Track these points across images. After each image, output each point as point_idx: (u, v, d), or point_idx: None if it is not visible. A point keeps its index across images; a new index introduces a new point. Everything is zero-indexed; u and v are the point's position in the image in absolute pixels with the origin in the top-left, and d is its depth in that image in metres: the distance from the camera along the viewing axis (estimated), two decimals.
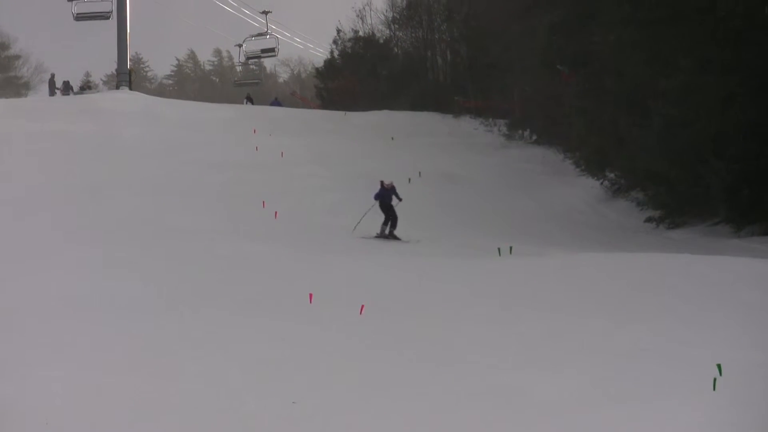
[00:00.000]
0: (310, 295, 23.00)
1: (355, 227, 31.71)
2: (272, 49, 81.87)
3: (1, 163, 43.51)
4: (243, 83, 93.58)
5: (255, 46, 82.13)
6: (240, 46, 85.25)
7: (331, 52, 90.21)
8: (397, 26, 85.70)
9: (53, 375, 15.91)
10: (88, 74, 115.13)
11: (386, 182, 33.10)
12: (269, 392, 15.28)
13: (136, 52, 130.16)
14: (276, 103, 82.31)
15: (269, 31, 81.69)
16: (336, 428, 13.48)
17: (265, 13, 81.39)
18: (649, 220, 41.13)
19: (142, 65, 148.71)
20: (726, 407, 13.98)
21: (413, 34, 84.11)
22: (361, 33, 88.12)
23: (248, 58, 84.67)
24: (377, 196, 32.91)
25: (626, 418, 13.77)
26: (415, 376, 16.58)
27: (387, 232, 32.44)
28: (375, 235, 32.44)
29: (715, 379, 14.94)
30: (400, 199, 32.96)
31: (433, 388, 15.58)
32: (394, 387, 15.72)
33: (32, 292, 23.01)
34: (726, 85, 35.07)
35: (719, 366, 15.18)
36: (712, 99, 35.44)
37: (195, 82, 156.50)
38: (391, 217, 32.67)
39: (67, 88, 76.17)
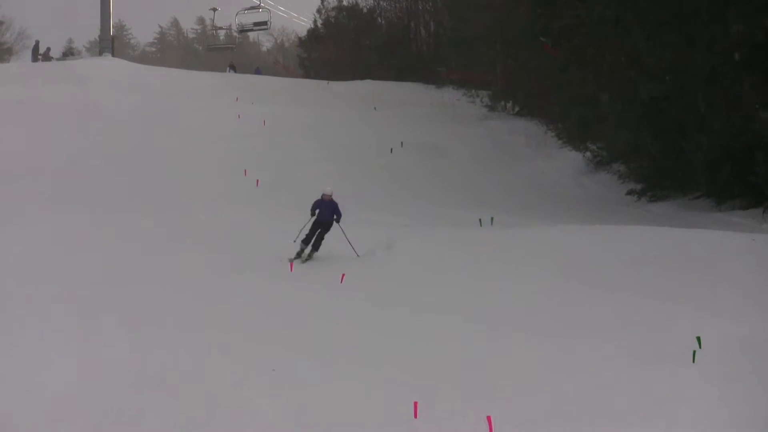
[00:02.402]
0: (290, 264, 23.10)
1: (296, 239, 24.37)
2: (265, 23, 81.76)
3: None
4: (216, 47, 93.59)
5: (247, 19, 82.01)
6: (214, 10, 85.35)
7: (315, 22, 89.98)
8: None
9: (40, 345, 15.90)
10: (70, 41, 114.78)
11: (327, 192, 24.69)
12: (251, 360, 15.28)
13: (119, 20, 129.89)
14: (258, 71, 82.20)
15: (261, 3, 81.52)
16: (315, 393, 13.46)
17: None
18: (630, 192, 41.12)
19: (124, 33, 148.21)
20: (705, 379, 14.02)
21: (397, 5, 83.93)
22: (345, 2, 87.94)
23: (241, 31, 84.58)
24: (314, 208, 24.59)
25: (607, 385, 13.81)
26: (390, 342, 16.65)
27: (307, 252, 24.37)
28: (289, 258, 24.09)
29: (694, 352, 14.97)
30: (338, 217, 24.57)
31: (405, 354, 15.68)
32: (372, 354, 15.78)
33: (9, 261, 23.02)
34: (710, 60, 35.04)
35: (699, 339, 15.22)
36: (697, 74, 35.42)
37: (178, 50, 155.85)
38: (318, 236, 24.49)
39: (47, 55, 75.61)
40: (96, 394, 13.26)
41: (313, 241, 24.18)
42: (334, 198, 24.56)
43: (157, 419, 12.34)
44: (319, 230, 24.27)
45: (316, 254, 24.12)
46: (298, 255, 24.00)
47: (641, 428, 11.87)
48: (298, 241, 24.13)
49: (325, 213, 24.28)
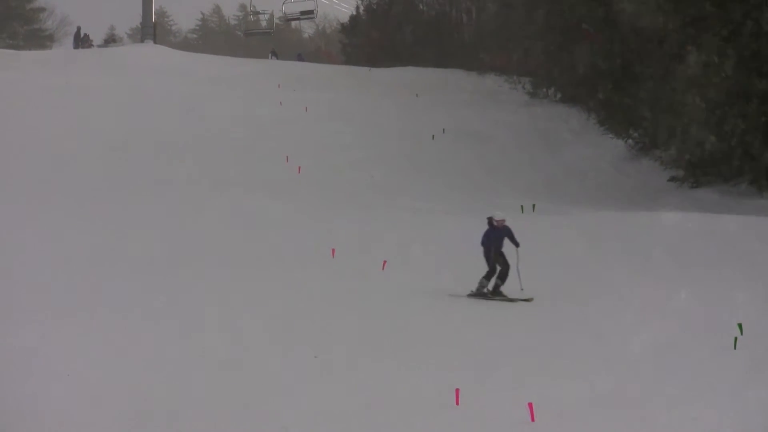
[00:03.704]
0: (332, 250, 23.18)
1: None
2: (311, 11, 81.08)
3: (26, 117, 43.52)
4: (252, 32, 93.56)
5: (294, 8, 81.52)
6: None
7: (357, 8, 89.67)
8: None
9: (74, 329, 16.09)
10: (112, 27, 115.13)
11: (497, 219, 20.39)
12: (292, 346, 15.41)
13: (161, 6, 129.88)
14: (300, 58, 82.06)
15: None
16: (357, 381, 13.55)
17: None
18: (672, 179, 40.93)
19: (166, 19, 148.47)
20: (747, 366, 14.04)
21: None
22: None
23: (287, 20, 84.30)
24: (484, 240, 20.31)
25: (648, 372, 13.85)
26: (439, 329, 16.74)
27: (490, 288, 20.12)
28: (468, 293, 20.10)
29: (735, 339, 14.99)
30: (516, 244, 20.18)
31: (446, 341, 15.78)
32: (419, 342, 15.88)
33: (52, 247, 23.33)
34: (755, 45, 34.82)
35: (740, 325, 15.22)
36: (740, 62, 35.18)
37: (219, 36, 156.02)
38: (500, 267, 20.13)
39: (86, 41, 75.80)
40: (139, 373, 13.41)
41: (489, 271, 20.03)
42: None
43: (196, 403, 12.44)
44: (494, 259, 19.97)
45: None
46: (479, 291, 19.95)
47: (683, 413, 11.90)
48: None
49: (496, 240, 20.08)
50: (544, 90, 60.14)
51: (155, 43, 74.10)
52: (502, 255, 19.81)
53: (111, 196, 30.30)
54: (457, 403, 11.74)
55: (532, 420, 10.95)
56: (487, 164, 42.28)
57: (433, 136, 45.61)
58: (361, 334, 16.38)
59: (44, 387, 12.43)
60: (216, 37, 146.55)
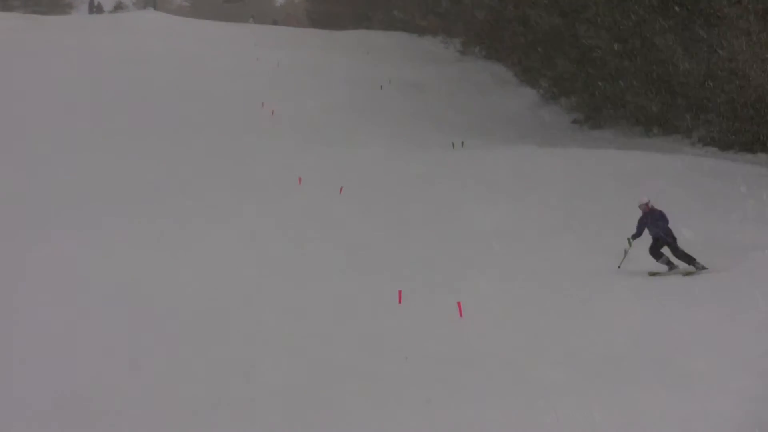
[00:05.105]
0: (299, 179, 22.94)
1: (619, 265, 14.68)
2: None
3: (50, 69, 43.15)
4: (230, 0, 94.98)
5: None
6: None
7: None
8: None
9: (93, 237, 15.81)
10: None
11: (643, 200, 15.05)
12: (267, 256, 15.24)
13: None
14: (275, 22, 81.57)
15: None
16: (319, 291, 13.40)
17: None
18: (575, 121, 40.95)
19: None
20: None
21: None
22: None
23: None
24: (640, 230, 14.95)
25: (549, 280, 13.78)
26: (381, 238, 16.64)
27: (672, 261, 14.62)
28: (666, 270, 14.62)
29: (625, 251, 14.90)
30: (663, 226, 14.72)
31: (392, 254, 15.67)
32: (367, 247, 15.75)
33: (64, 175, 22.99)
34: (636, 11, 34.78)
35: (629, 239, 15.08)
36: (623, 32, 35.17)
37: (206, 4, 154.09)
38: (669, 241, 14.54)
39: (99, 9, 74.98)
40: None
41: (668, 258, 14.62)
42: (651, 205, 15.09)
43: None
44: (663, 247, 14.64)
45: (681, 265, 14.39)
46: (671, 267, 14.59)
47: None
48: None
49: (654, 229, 14.71)
50: (472, 48, 59.97)
51: (155, 9, 73.75)
52: (662, 240, 14.53)
53: (115, 133, 30.14)
54: (400, 302, 11.61)
55: (461, 316, 10.81)
56: (425, 109, 42.15)
57: (381, 86, 45.63)
58: (329, 245, 16.26)
59: None
60: (203, 5, 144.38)
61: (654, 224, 14.51)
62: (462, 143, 30.40)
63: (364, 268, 14.53)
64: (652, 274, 14.37)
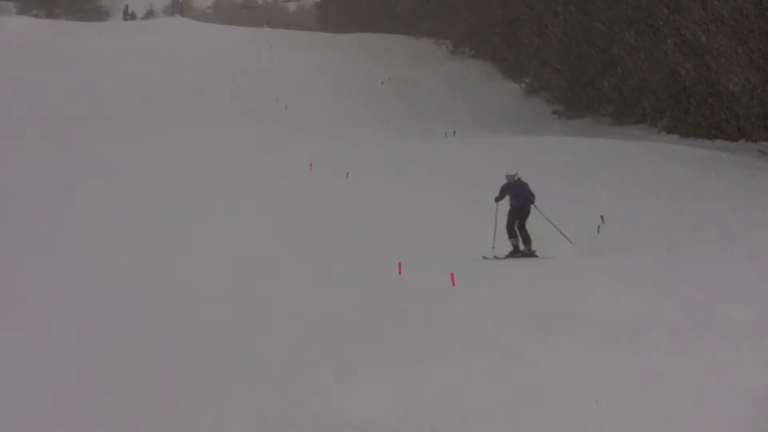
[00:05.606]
0: (310, 165, 22.82)
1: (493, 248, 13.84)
2: None
3: (90, 68, 43.41)
4: (246, 6, 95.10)
5: None
6: None
7: None
8: None
9: (96, 223, 15.75)
10: (151, 5, 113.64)
11: (510, 173, 14.07)
12: (277, 237, 15.19)
13: None
14: (287, 27, 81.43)
15: None
16: (324, 259, 13.35)
17: None
18: (554, 113, 40.84)
19: None
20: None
21: None
22: None
23: (284, 1, 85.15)
24: (502, 195, 14.12)
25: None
26: (386, 221, 16.56)
27: (523, 247, 13.79)
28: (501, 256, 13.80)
29: (599, 226, 14.87)
30: (533, 199, 13.94)
31: (402, 228, 15.61)
32: (371, 230, 15.68)
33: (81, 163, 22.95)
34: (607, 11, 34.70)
35: (602, 217, 15.06)
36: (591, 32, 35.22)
37: (227, 11, 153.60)
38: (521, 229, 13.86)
39: (133, 15, 75.08)
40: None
41: (518, 233, 13.76)
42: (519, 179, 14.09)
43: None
44: (518, 220, 13.78)
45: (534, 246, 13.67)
46: (513, 253, 13.74)
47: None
48: (498, 245, 13.96)
49: (518, 198, 13.79)
50: (462, 49, 60.06)
51: (182, 16, 74.06)
52: (523, 211, 13.74)
53: (149, 123, 30.26)
54: (400, 273, 11.53)
55: (453, 285, 10.73)
56: (420, 103, 42.24)
57: (381, 82, 45.81)
58: (336, 224, 16.18)
59: None
60: (224, 11, 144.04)
61: (518, 195, 13.61)
62: (454, 132, 30.37)
63: (363, 238, 14.52)
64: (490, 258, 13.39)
